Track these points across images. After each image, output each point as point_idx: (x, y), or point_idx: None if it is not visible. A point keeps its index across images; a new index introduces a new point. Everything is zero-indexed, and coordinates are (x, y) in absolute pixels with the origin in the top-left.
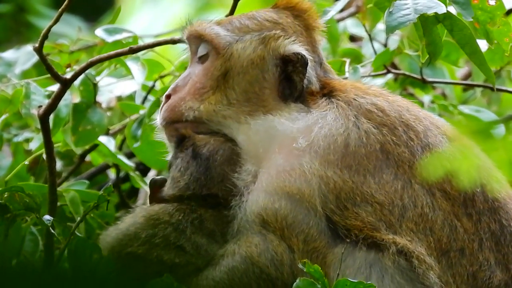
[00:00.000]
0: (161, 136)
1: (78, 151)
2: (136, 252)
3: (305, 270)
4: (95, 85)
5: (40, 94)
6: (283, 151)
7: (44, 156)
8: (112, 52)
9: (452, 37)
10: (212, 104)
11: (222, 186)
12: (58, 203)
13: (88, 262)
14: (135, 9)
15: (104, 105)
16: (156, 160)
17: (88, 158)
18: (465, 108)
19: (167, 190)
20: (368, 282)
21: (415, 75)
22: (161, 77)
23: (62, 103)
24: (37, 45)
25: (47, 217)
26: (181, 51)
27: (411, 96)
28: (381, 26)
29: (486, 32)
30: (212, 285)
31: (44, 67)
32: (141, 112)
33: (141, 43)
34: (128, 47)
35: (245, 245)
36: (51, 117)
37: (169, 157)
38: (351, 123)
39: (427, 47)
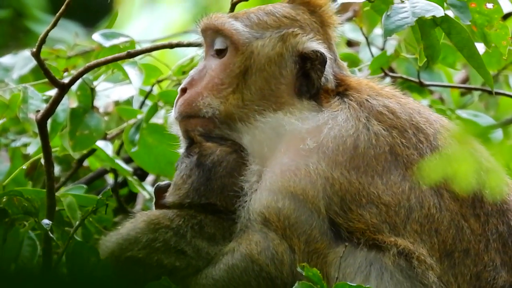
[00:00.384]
0: (175, 129)
1: (76, 155)
2: (137, 256)
3: (304, 274)
4: (92, 90)
5: (38, 98)
6: (290, 151)
7: (42, 161)
8: (109, 57)
9: (450, 40)
10: (232, 104)
11: (221, 197)
12: (56, 208)
13: (85, 265)
14: (132, 14)
15: (101, 110)
16: (154, 164)
17: (86, 163)
18: (463, 113)
19: (168, 196)
20: (367, 286)
21: (412, 78)
22: (159, 81)
23: (59, 107)
24: (34, 49)
25: (45, 221)
26: (179, 55)
27: None
28: (378, 30)
29: (483, 35)
30: (212, 283)
31: (42, 72)
32: (139, 116)
33: (138, 47)
34: (125, 52)
35: (245, 242)
36: (49, 121)
37: (180, 150)
38: (361, 124)
39: (425, 50)
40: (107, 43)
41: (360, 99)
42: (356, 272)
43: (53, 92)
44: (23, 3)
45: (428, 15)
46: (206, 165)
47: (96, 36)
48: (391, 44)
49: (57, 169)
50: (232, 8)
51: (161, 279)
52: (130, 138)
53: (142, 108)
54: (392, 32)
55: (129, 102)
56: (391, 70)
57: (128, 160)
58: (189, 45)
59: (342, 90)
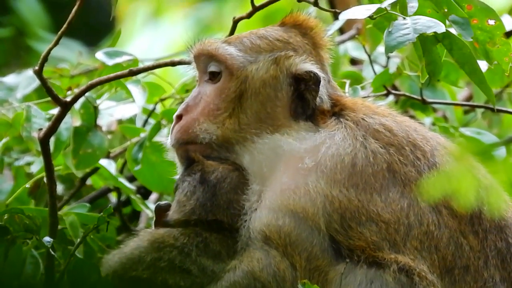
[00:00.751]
0: (171, 156)
1: (79, 174)
2: (141, 276)
3: None
4: (95, 108)
5: (41, 117)
6: (289, 170)
7: (45, 179)
8: (112, 74)
9: (452, 56)
10: (229, 129)
11: (227, 213)
12: (59, 227)
13: (86, 283)
14: (135, 33)
15: (104, 128)
16: (157, 183)
17: (89, 181)
18: (466, 130)
19: (172, 214)
20: None
21: (415, 96)
22: (162, 100)
23: (62, 126)
24: (37, 67)
25: (47, 239)
26: (181, 74)
27: (411, 118)
28: (381, 49)
29: (485, 52)
30: None
31: (45, 90)
32: (142, 135)
33: (141, 66)
34: (128, 69)
35: (247, 260)
36: (52, 140)
37: (176, 177)
38: (358, 143)
39: (426, 66)
40: (110, 62)
41: (356, 118)
42: None
43: (56, 110)
44: (25, 22)
45: (430, 32)
46: (210, 181)
47: (99, 55)
48: (394, 62)
49: (60, 188)
50: (234, 26)
51: None
52: (133, 156)
53: (145, 126)
54: (394, 48)
55: (132, 120)
56: (394, 88)
57: (131, 179)
58: (191, 63)
59: (337, 110)
